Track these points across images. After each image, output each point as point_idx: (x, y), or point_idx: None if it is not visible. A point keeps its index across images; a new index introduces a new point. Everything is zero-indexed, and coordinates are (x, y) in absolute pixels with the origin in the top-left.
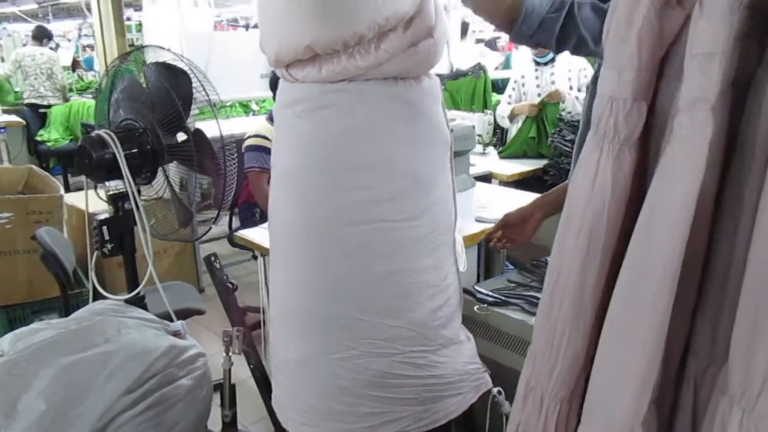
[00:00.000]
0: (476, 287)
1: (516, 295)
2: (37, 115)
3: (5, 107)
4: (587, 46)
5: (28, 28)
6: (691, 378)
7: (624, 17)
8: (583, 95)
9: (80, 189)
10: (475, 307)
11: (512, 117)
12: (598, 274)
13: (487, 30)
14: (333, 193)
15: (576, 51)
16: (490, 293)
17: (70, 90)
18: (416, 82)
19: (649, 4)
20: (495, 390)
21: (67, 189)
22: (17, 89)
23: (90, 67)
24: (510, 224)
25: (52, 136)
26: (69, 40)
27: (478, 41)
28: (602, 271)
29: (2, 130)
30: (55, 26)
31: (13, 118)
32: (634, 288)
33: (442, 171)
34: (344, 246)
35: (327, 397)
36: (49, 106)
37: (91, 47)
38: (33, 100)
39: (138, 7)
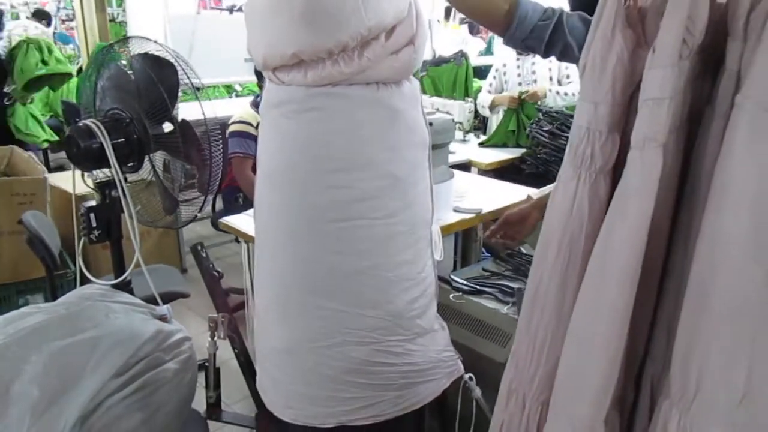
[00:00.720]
0: (452, 276)
1: (490, 284)
2: None
3: None
4: (573, 53)
5: None
6: (648, 380)
7: (600, 55)
8: (563, 89)
9: (61, 167)
10: (451, 296)
11: (492, 107)
12: (576, 288)
13: None
14: (316, 191)
15: (562, 57)
16: (465, 282)
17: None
18: (397, 87)
19: (623, 44)
20: (466, 376)
21: (47, 165)
22: None
23: (65, 41)
24: (510, 223)
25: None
26: (51, 16)
27: (463, 21)
28: (580, 284)
29: None
30: None
31: None
32: (593, 301)
33: (420, 170)
34: (326, 241)
35: (309, 383)
36: None
37: (70, 20)
38: None
39: None
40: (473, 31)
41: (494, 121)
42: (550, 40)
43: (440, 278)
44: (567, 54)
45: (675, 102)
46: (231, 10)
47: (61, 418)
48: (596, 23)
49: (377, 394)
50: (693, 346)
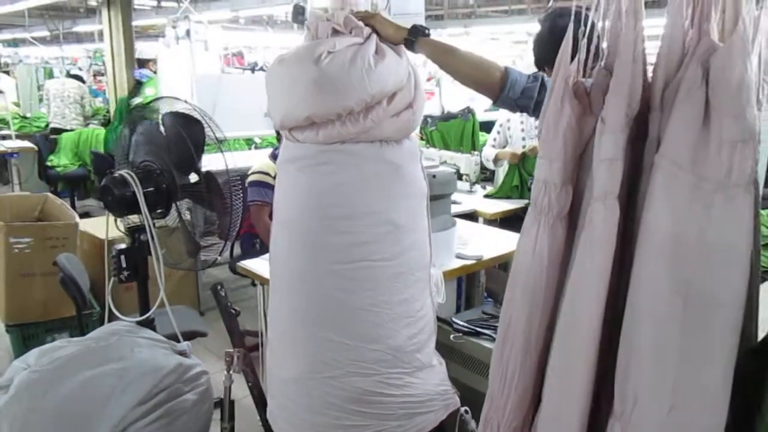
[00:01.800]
0: (454, 318)
1: (488, 326)
2: (48, 141)
3: (20, 133)
4: None
5: (38, 53)
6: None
7: (552, 121)
8: None
9: (87, 213)
10: (452, 336)
11: (496, 160)
12: (540, 323)
13: None
14: (325, 235)
15: None
16: (465, 324)
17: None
18: (398, 144)
19: (570, 112)
20: (462, 409)
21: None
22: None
23: (94, 95)
24: None
25: (62, 161)
26: (80, 69)
27: None
28: (543, 320)
29: (16, 155)
30: (67, 51)
31: (26, 143)
32: (568, 341)
33: (418, 218)
34: (333, 281)
35: (316, 411)
36: (72, 131)
37: (101, 74)
38: (57, 123)
39: (147, 38)
40: None
41: (501, 173)
42: (539, 98)
43: (442, 320)
44: None
45: (623, 162)
46: (253, 69)
47: None
48: (549, 94)
49: (378, 422)
50: (629, 370)
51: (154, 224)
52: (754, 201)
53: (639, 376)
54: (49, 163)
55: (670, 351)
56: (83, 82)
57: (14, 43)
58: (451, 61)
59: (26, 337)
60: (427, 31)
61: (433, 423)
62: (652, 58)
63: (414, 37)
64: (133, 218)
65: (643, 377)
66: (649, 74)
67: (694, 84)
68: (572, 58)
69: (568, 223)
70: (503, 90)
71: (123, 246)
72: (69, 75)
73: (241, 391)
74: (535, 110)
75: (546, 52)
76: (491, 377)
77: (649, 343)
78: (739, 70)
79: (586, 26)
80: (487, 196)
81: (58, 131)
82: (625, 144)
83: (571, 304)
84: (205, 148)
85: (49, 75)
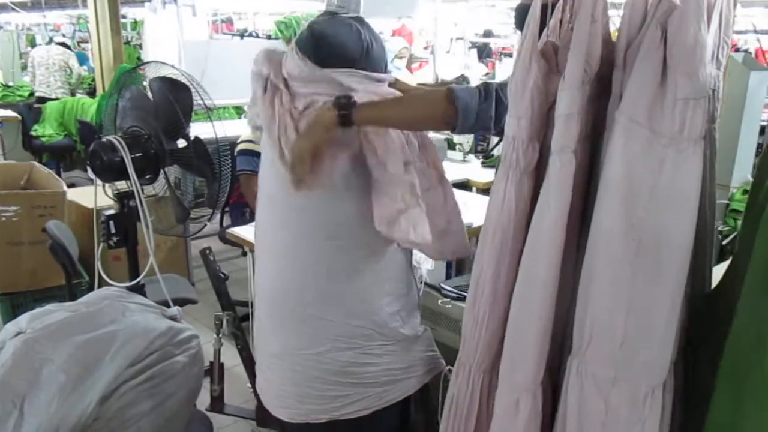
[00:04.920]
0: (442, 284)
1: None
2: (32, 111)
3: (3, 102)
4: None
5: (19, 19)
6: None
7: (520, 80)
8: None
9: (73, 185)
10: (439, 301)
11: None
12: (508, 269)
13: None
14: (311, 211)
15: None
16: (453, 289)
17: (81, 84)
18: None
19: (537, 71)
20: (446, 368)
21: None
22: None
23: (82, 61)
24: None
25: (47, 131)
26: (63, 35)
27: (471, 47)
28: (511, 267)
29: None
30: (49, 17)
31: (9, 113)
32: (528, 281)
33: None
34: (318, 257)
35: (300, 384)
36: (57, 99)
37: (86, 41)
38: (42, 92)
39: (133, 4)
40: (482, 56)
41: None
42: (497, 117)
43: (432, 286)
44: None
45: (580, 117)
46: (242, 35)
47: (84, 399)
48: (518, 56)
49: (363, 390)
50: (586, 309)
51: (142, 190)
52: (706, 154)
53: (594, 314)
54: (33, 133)
55: (622, 291)
56: (70, 48)
57: None
58: (390, 116)
59: (15, 306)
60: (352, 100)
61: (416, 386)
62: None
63: (347, 110)
64: (122, 184)
65: (597, 315)
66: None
67: (652, 44)
68: (547, 20)
69: (535, 178)
70: (456, 120)
71: (112, 212)
72: (54, 42)
73: (231, 360)
74: (496, 127)
75: (526, 15)
76: (464, 324)
77: (603, 282)
78: (693, 30)
79: None
80: (485, 164)
81: (44, 100)
82: (582, 100)
83: (531, 252)
84: (194, 116)
85: (32, 42)
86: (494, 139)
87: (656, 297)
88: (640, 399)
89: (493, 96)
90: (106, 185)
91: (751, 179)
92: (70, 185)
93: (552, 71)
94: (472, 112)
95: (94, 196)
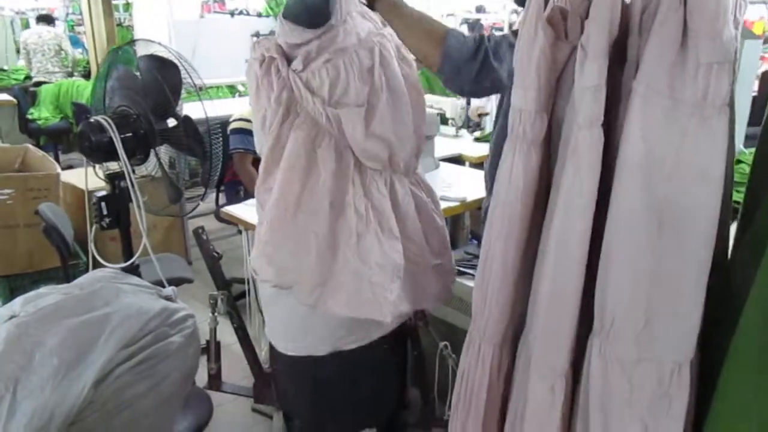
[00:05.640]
0: None
1: (471, 266)
2: (28, 94)
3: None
4: (501, 85)
5: (13, 4)
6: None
7: (526, 49)
8: None
9: (70, 167)
10: None
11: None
12: (517, 245)
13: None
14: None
15: (489, 92)
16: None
17: (76, 66)
18: None
19: (543, 39)
20: (442, 344)
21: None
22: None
23: (75, 45)
24: None
25: (43, 114)
26: (56, 18)
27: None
28: (520, 242)
29: None
30: (40, 2)
31: (5, 96)
32: (562, 265)
33: None
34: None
35: (303, 315)
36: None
37: (80, 24)
38: (41, 78)
39: None
40: (473, 32)
41: (488, 121)
42: (476, 81)
43: None
44: (494, 89)
45: (605, 86)
46: (233, 13)
47: (78, 383)
48: (522, 23)
49: (360, 321)
50: (607, 288)
51: (133, 171)
52: (729, 123)
53: (616, 294)
54: (29, 117)
55: (644, 269)
56: (53, 24)
57: None
58: (397, 21)
59: (13, 288)
60: None
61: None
62: None
63: None
64: (113, 165)
65: (619, 295)
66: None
67: (671, 5)
68: None
69: (544, 150)
70: (439, 65)
71: (103, 193)
72: (38, 18)
73: (228, 337)
74: (471, 89)
75: None
76: (474, 300)
77: (625, 261)
78: None
79: None
80: (477, 139)
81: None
82: (606, 68)
83: (564, 231)
84: (186, 95)
85: (26, 26)
86: (487, 118)
87: (681, 275)
88: (666, 376)
89: (479, 57)
90: (97, 166)
91: (743, 149)
92: (68, 167)
93: (560, 38)
94: (455, 65)
95: (85, 178)
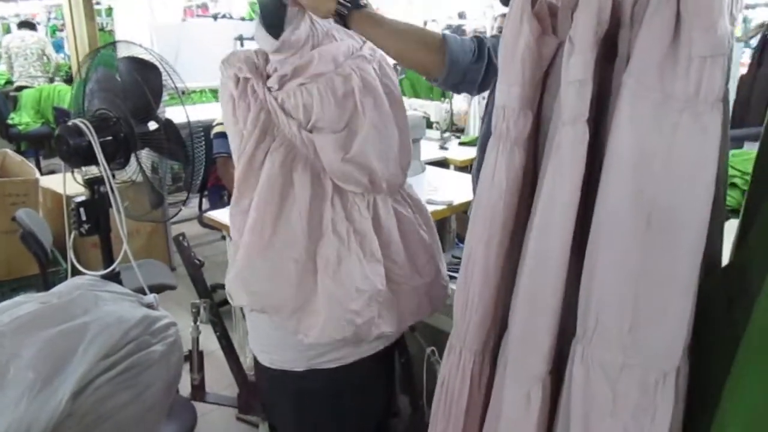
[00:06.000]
0: None
1: (457, 269)
2: (9, 99)
3: None
4: None
5: None
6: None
7: (510, 43)
8: None
9: (52, 172)
10: None
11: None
12: (499, 248)
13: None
14: None
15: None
16: None
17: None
18: None
19: (529, 32)
20: (429, 349)
21: (40, 172)
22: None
23: (57, 50)
24: None
25: (23, 119)
26: (38, 23)
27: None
28: (502, 246)
29: None
30: (22, 7)
31: None
32: (540, 264)
33: None
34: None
35: (278, 327)
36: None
37: (61, 30)
38: (23, 82)
39: None
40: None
41: (471, 124)
42: (483, 82)
43: None
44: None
45: (592, 82)
46: (215, 17)
47: (55, 396)
48: (508, 18)
49: (339, 340)
50: (591, 292)
51: (113, 175)
52: (723, 120)
53: (600, 297)
54: (10, 122)
55: (631, 271)
56: (35, 29)
57: None
58: (382, 37)
59: None
60: (363, 2)
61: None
62: None
63: (346, 10)
64: (93, 170)
65: (604, 298)
66: None
67: None
68: None
69: (528, 149)
70: (443, 75)
71: (82, 198)
72: (20, 24)
73: (212, 344)
74: (480, 91)
75: None
76: (455, 305)
77: (610, 263)
78: None
79: None
80: (462, 143)
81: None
82: (594, 64)
83: (543, 229)
84: (168, 99)
85: (7, 31)
86: (471, 120)
87: (668, 278)
88: (650, 386)
89: (485, 57)
90: (76, 171)
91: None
92: (50, 172)
93: (546, 33)
94: (461, 69)
95: (63, 183)
